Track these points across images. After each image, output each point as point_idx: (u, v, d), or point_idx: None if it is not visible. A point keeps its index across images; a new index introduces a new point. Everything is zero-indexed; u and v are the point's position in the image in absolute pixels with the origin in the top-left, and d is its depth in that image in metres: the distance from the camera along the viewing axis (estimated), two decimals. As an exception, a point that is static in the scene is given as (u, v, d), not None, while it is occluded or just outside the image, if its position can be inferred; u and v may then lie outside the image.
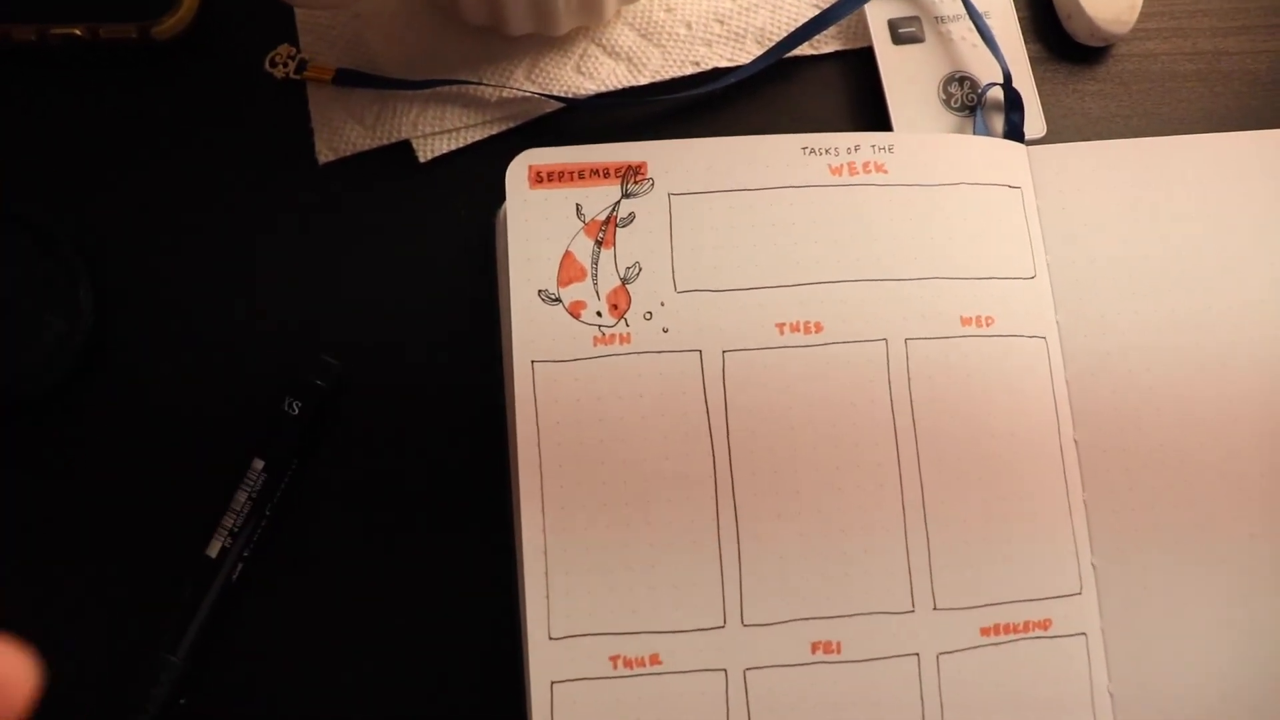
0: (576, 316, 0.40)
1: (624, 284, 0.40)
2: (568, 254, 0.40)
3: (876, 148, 0.42)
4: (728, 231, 0.41)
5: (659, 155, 0.41)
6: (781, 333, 0.40)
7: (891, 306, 0.41)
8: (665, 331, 0.40)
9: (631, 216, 0.41)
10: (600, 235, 0.40)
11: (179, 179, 0.45)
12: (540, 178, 0.41)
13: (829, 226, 0.41)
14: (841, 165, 0.42)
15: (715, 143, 0.41)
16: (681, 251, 0.40)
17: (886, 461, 0.40)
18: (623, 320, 0.40)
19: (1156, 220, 0.43)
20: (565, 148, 0.41)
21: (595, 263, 0.40)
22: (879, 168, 0.42)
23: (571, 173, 0.41)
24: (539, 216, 0.40)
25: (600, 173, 0.41)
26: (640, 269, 0.40)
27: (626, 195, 0.41)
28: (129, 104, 0.45)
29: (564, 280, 0.40)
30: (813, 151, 0.42)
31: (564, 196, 0.40)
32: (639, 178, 0.41)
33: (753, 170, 0.41)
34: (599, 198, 0.41)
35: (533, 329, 0.39)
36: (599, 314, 0.40)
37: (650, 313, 0.40)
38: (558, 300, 0.40)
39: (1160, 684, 0.40)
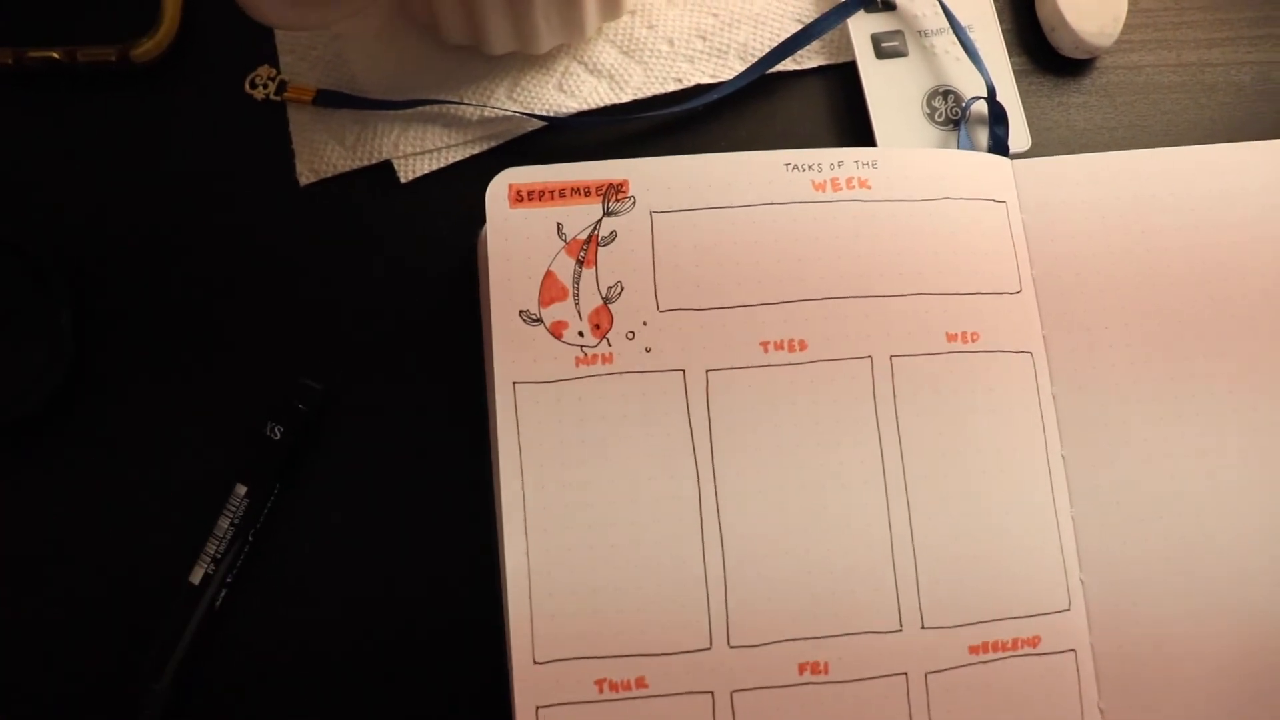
0: (558, 337, 0.39)
1: (606, 303, 0.40)
2: (549, 274, 0.40)
3: (860, 163, 0.42)
4: (710, 249, 0.40)
5: (640, 173, 0.41)
6: (766, 351, 0.40)
7: (876, 323, 0.40)
8: (648, 351, 0.40)
9: (613, 235, 0.40)
10: (582, 254, 0.40)
11: (159, 201, 0.44)
12: (521, 197, 0.40)
13: (812, 243, 0.41)
14: (825, 181, 0.41)
15: (697, 160, 0.41)
16: (664, 270, 0.40)
17: (872, 480, 0.39)
18: (605, 340, 0.39)
19: (1143, 233, 0.43)
20: (545, 166, 0.41)
21: (577, 282, 0.40)
22: (862, 183, 0.41)
23: (552, 191, 0.40)
24: (520, 236, 0.40)
25: (581, 191, 0.41)
26: (622, 288, 0.40)
27: (608, 214, 0.40)
28: (108, 127, 0.45)
29: (545, 300, 0.40)
30: (795, 168, 0.41)
31: (545, 216, 0.40)
32: (620, 196, 0.41)
33: (735, 187, 0.41)
34: (580, 217, 0.40)
35: (514, 350, 0.39)
36: (581, 334, 0.39)
37: (633, 332, 0.40)
38: (539, 321, 0.39)
39: (1152, 700, 0.39)
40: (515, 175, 0.41)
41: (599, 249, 0.40)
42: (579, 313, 0.40)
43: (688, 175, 0.41)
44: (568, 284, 0.40)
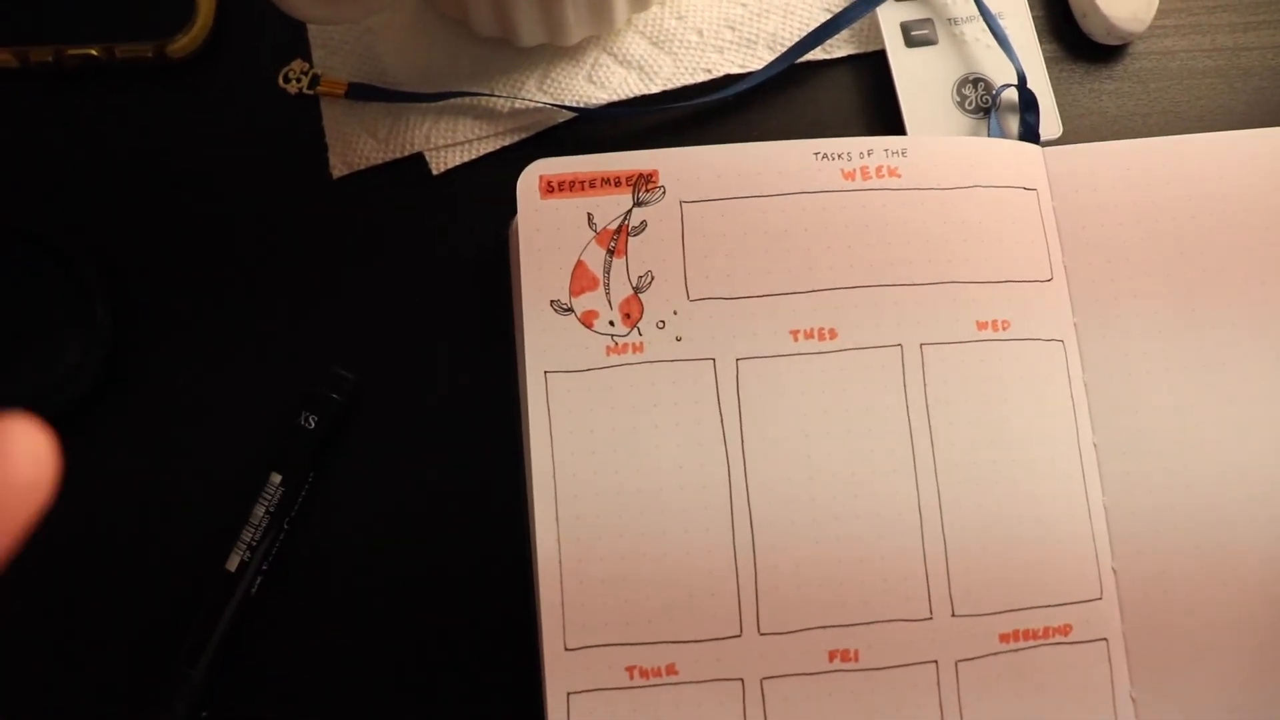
0: (589, 326, 0.40)
1: (636, 293, 0.40)
2: (580, 264, 0.40)
3: (889, 152, 0.42)
4: (740, 239, 0.41)
5: (670, 163, 0.41)
6: (795, 339, 0.40)
7: (906, 311, 0.40)
8: (678, 340, 0.40)
9: (643, 225, 0.41)
10: (612, 244, 0.40)
11: (195, 195, 0.45)
12: (551, 187, 0.41)
13: (842, 232, 0.41)
14: (854, 170, 0.41)
15: (726, 149, 0.41)
16: (694, 259, 0.40)
17: (902, 468, 0.39)
18: (635, 329, 0.40)
19: (1175, 220, 0.43)
20: (576, 157, 0.41)
21: (607, 272, 0.40)
22: (892, 172, 0.41)
23: (582, 182, 0.41)
24: (550, 226, 0.40)
25: (611, 181, 0.41)
26: (653, 278, 0.40)
27: (638, 204, 0.41)
28: (145, 122, 0.46)
29: (576, 290, 0.40)
30: (825, 157, 0.41)
31: (575, 206, 0.40)
32: (650, 186, 0.41)
33: (765, 177, 0.41)
34: (610, 207, 0.41)
35: (545, 339, 0.39)
36: (612, 323, 0.40)
37: (663, 321, 0.40)
38: (570, 310, 0.40)
39: (1184, 688, 0.39)
40: (545, 166, 0.41)
41: (629, 239, 0.40)
42: (610, 302, 0.40)
43: (717, 165, 0.41)
44: (598, 274, 0.40)
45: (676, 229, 0.41)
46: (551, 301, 0.40)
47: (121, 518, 0.42)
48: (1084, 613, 0.39)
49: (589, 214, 0.40)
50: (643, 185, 0.41)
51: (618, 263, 0.40)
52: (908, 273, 0.41)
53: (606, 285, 0.40)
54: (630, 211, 0.41)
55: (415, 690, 0.41)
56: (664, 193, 0.41)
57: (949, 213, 0.41)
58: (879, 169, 0.41)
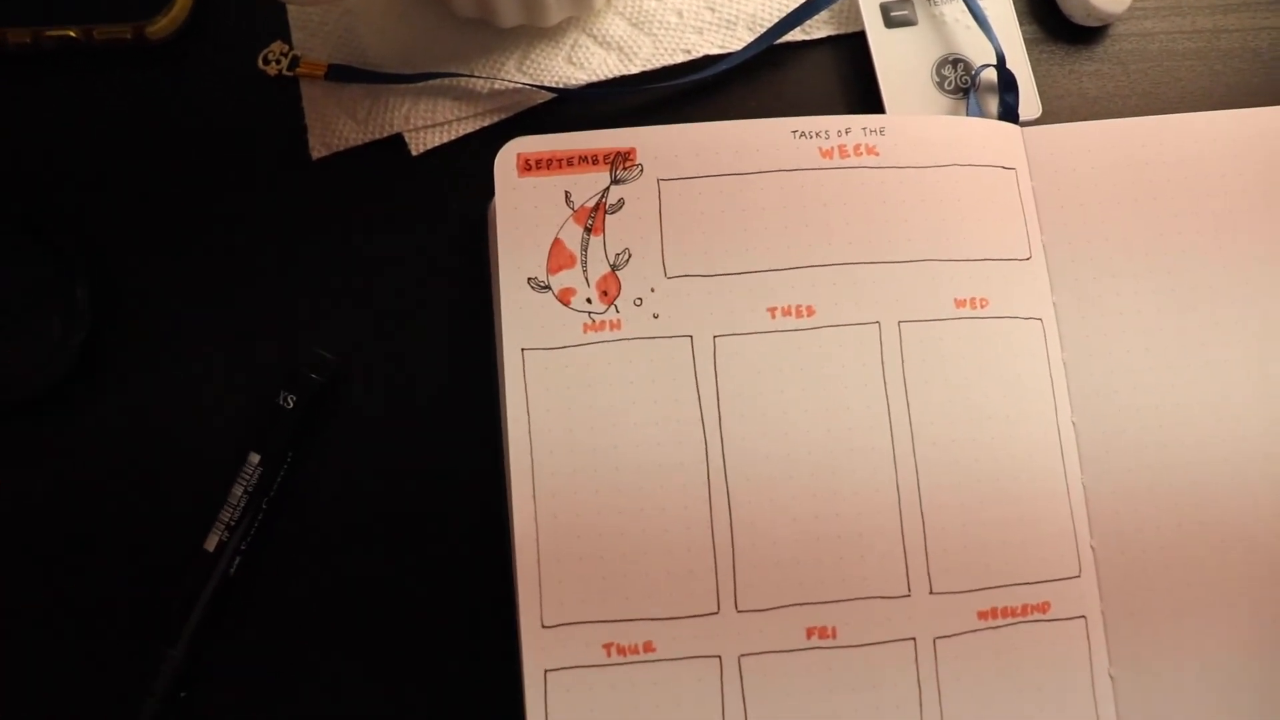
0: (566, 304, 0.40)
1: (614, 270, 0.40)
2: (557, 241, 0.40)
3: (867, 130, 0.42)
4: (717, 216, 0.40)
5: (648, 141, 0.41)
6: (773, 316, 0.40)
7: (884, 289, 0.40)
8: (655, 317, 0.40)
9: (621, 203, 0.40)
10: (589, 222, 0.40)
11: (174, 177, 0.45)
12: (529, 165, 0.41)
13: (820, 210, 0.41)
14: (832, 148, 0.41)
15: (704, 128, 0.41)
16: (671, 237, 0.40)
17: (880, 445, 0.39)
18: (613, 307, 0.40)
19: (1154, 199, 0.43)
20: (553, 135, 0.41)
21: (585, 250, 0.40)
22: (870, 150, 0.41)
23: (560, 160, 0.41)
24: (528, 204, 0.40)
25: (589, 159, 0.41)
26: (630, 255, 0.40)
27: (615, 182, 0.41)
28: (124, 104, 0.46)
29: (553, 267, 0.40)
30: (803, 135, 0.41)
31: (552, 184, 0.40)
32: (628, 164, 0.41)
33: (742, 155, 0.41)
34: (588, 185, 0.41)
35: (523, 316, 0.39)
36: (589, 301, 0.40)
37: (640, 299, 0.40)
38: (547, 288, 0.40)
39: (1163, 666, 0.39)
40: (523, 144, 0.41)
41: (606, 216, 0.40)
42: (587, 280, 0.40)
43: (695, 143, 0.41)
44: (575, 251, 0.40)
45: (654, 207, 0.41)
46: (529, 279, 0.40)
47: (100, 497, 0.42)
48: (1062, 590, 0.39)
49: (566, 192, 0.40)
50: (620, 163, 0.41)
51: (595, 240, 0.40)
52: (886, 250, 0.41)
53: (584, 263, 0.40)
54: (608, 189, 0.41)
55: (394, 669, 0.41)
56: (641, 170, 0.41)
57: (927, 191, 0.41)
58: (857, 147, 0.41)
